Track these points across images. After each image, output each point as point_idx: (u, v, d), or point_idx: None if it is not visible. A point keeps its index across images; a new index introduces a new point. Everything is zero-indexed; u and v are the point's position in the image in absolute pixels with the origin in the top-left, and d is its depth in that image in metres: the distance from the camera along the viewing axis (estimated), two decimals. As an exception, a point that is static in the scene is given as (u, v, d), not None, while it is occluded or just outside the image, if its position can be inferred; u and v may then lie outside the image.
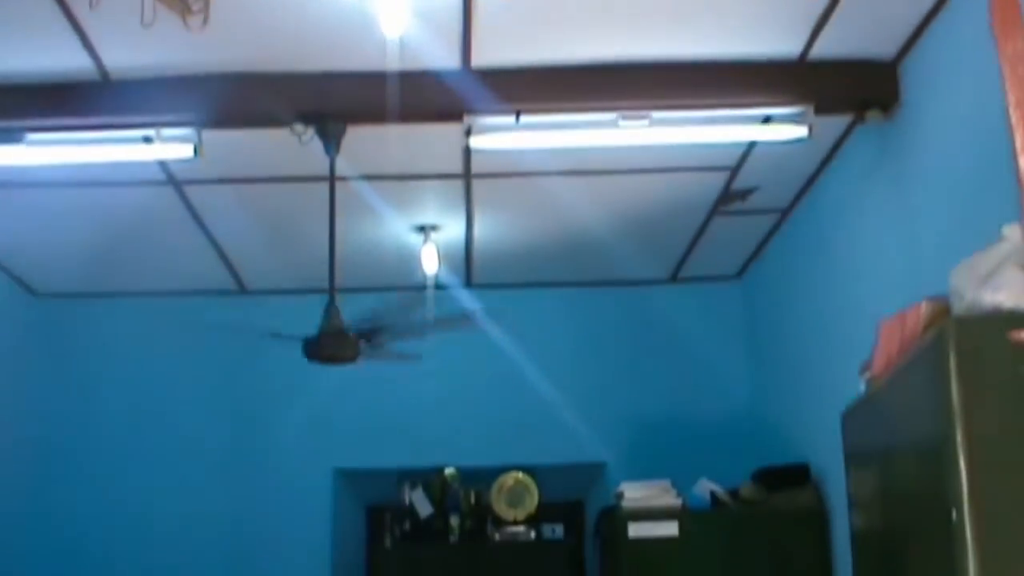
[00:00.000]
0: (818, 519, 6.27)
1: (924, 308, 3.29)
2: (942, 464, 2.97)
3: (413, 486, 7.62)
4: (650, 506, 6.43)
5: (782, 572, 6.29)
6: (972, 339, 2.97)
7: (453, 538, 7.57)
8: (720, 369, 7.94)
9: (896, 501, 3.61)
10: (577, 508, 8.51)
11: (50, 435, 7.87)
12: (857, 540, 4.15)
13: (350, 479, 8.10)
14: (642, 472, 6.73)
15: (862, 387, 3.97)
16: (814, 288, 6.49)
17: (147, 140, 5.33)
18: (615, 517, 6.47)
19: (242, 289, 7.95)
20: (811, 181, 6.38)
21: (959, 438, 2.91)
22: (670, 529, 6.37)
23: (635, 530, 6.37)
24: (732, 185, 6.46)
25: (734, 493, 6.58)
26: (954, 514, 2.93)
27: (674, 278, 7.99)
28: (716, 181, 6.42)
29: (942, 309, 3.22)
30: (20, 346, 7.76)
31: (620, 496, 6.51)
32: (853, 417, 4.03)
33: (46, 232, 6.91)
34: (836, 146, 5.91)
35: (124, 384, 7.98)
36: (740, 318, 7.99)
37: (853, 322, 5.53)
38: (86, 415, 7.93)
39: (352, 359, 5.55)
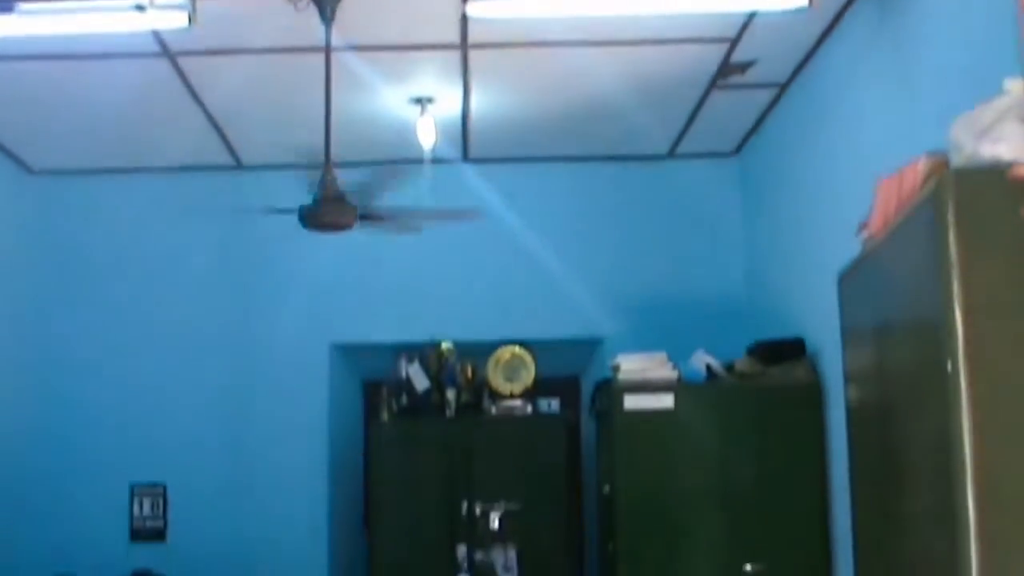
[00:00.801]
0: (813, 393, 6.29)
1: (923, 163, 3.26)
2: (939, 315, 2.96)
3: (410, 360, 7.62)
4: (646, 378, 6.46)
5: (777, 445, 6.33)
6: (970, 189, 2.95)
7: (450, 412, 7.59)
8: (717, 244, 7.95)
9: (892, 368, 3.60)
10: (574, 383, 8.56)
11: (46, 312, 7.89)
12: (852, 412, 4.15)
13: (347, 354, 8.14)
14: (639, 347, 6.72)
15: (860, 247, 3.96)
16: (812, 162, 6.47)
17: (140, 8, 5.23)
18: (611, 389, 6.50)
19: (238, 164, 7.91)
20: (810, 55, 6.33)
21: (956, 287, 2.90)
22: (665, 401, 6.40)
23: (631, 402, 6.40)
24: (731, 58, 6.41)
25: (730, 366, 6.61)
26: (949, 365, 2.93)
27: (672, 153, 7.96)
28: (715, 53, 6.37)
29: (941, 163, 3.20)
30: (16, 224, 7.75)
31: (616, 368, 6.53)
32: (850, 278, 4.03)
33: (41, 107, 6.87)
34: (836, 18, 5.85)
35: (121, 260, 7.98)
36: (738, 194, 7.98)
37: (851, 196, 5.48)
38: (83, 292, 7.94)
39: (350, 225, 5.55)
